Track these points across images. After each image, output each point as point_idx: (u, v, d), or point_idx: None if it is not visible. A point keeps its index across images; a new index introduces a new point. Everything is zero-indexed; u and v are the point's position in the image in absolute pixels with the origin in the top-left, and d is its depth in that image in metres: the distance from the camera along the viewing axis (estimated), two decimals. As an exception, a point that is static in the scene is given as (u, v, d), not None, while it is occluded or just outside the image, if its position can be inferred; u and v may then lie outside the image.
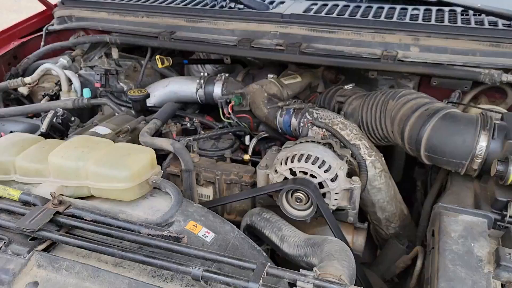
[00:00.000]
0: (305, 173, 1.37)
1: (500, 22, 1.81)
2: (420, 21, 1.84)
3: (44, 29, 2.55)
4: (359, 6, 2.06)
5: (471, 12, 1.93)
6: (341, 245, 1.17)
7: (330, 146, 1.48)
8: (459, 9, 1.96)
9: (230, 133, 1.88)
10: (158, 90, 2.22)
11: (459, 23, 1.81)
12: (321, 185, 1.37)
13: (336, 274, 1.02)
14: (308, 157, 1.37)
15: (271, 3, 2.19)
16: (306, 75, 2.18)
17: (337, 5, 2.08)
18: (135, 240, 1.07)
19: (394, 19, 1.88)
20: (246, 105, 1.98)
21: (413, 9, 2.00)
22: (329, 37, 1.90)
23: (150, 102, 2.17)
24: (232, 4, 2.16)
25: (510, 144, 1.29)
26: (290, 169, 1.39)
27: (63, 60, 2.35)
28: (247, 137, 1.92)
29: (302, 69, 2.21)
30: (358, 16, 1.91)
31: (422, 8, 2.00)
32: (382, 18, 1.88)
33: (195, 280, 0.96)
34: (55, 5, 2.60)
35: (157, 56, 2.14)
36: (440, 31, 1.77)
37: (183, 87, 2.19)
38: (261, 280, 0.92)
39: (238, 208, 1.69)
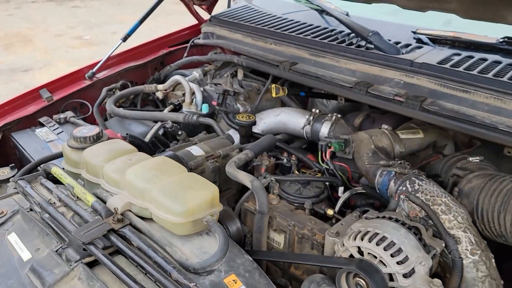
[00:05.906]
0: (375, 257, 1.16)
1: None
2: None
3: (190, 41, 2.76)
4: (513, 65, 1.70)
5: None
6: None
7: (417, 231, 1.23)
8: None
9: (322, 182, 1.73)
10: (269, 117, 2.20)
11: None
12: (391, 277, 1.15)
13: None
14: (382, 239, 1.16)
15: (407, 46, 1.97)
16: (431, 131, 1.89)
17: (485, 59, 1.75)
18: (162, 283, 1.05)
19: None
20: (350, 153, 1.80)
21: None
22: (461, 97, 1.61)
23: (258, 127, 2.16)
24: (362, 43, 2.01)
25: None
26: (358, 247, 1.20)
27: (196, 73, 2.50)
28: (341, 189, 1.75)
29: (428, 125, 1.92)
30: (505, 78, 1.57)
31: None
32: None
33: None
34: (206, 21, 2.79)
35: (273, 85, 2.12)
36: None
37: (292, 119, 2.12)
38: None
39: (307, 266, 1.55)
